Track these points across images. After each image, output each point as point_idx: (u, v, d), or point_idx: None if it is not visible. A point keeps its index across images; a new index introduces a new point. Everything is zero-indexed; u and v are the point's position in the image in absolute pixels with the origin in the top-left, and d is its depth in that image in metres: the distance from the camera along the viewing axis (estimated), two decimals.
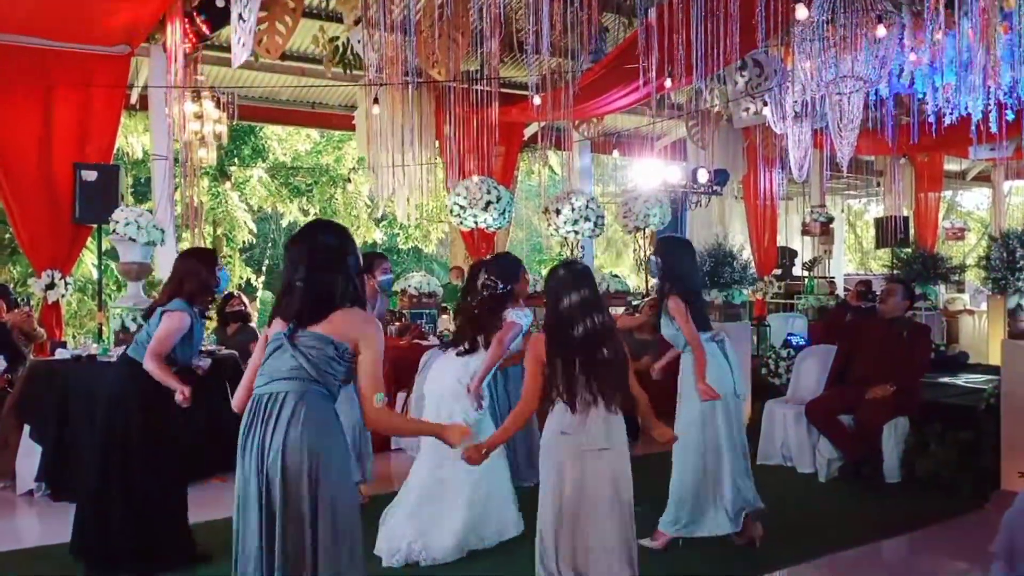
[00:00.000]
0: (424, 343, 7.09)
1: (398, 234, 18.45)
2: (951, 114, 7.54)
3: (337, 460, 2.48)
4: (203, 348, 6.20)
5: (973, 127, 7.46)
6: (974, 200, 24.53)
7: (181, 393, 3.79)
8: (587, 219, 7.94)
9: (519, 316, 4.31)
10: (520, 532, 4.29)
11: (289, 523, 2.38)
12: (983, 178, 17.34)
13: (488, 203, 7.64)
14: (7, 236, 12.71)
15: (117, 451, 3.94)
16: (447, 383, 4.29)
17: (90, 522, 4.01)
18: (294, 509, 2.38)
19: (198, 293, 4.06)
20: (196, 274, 4.05)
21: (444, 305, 8.64)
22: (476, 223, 7.78)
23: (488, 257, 4.81)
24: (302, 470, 2.38)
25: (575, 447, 2.98)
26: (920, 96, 7.99)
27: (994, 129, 7.29)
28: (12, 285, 10.70)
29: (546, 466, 3.06)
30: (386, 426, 2.57)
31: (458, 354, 4.35)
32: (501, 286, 4.38)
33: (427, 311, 8.18)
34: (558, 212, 7.94)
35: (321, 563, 2.39)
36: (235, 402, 2.66)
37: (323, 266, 2.56)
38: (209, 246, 11.62)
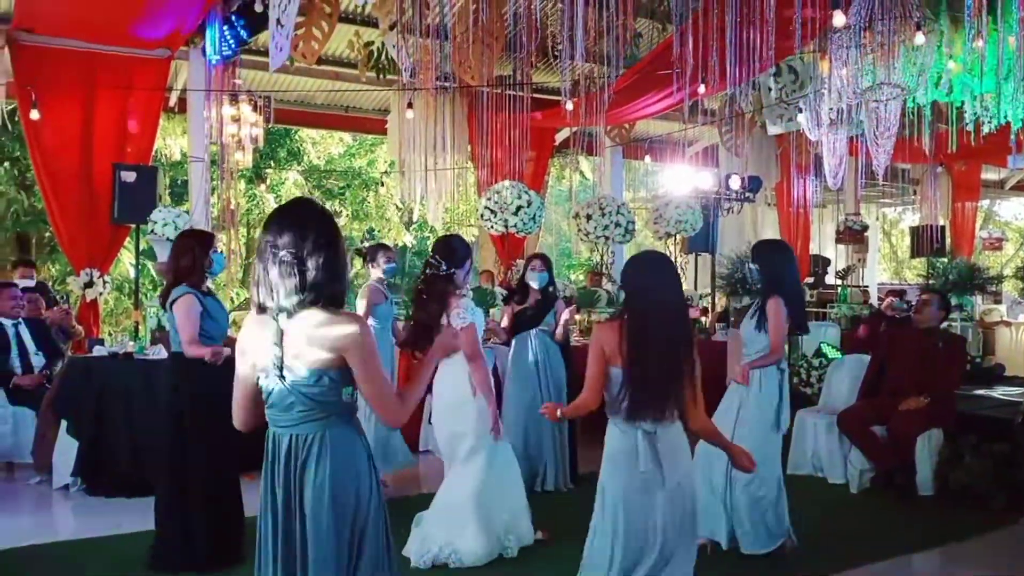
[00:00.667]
0: None
1: (428, 237, 18.53)
2: (990, 123, 7.43)
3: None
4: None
5: (1012, 136, 7.35)
6: (1012, 210, 24.09)
7: (212, 353, 3.88)
8: (617, 224, 7.92)
9: (465, 313, 4.07)
10: (532, 541, 4.27)
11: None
12: (1021, 188, 17.04)
13: (518, 208, 7.65)
14: (47, 234, 12.97)
15: (179, 449, 4.01)
16: (450, 393, 4.20)
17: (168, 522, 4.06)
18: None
19: (193, 272, 4.09)
20: (190, 251, 4.11)
21: None
22: (506, 228, 7.80)
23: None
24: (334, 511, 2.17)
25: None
26: (958, 104, 7.88)
27: None
28: (51, 283, 10.91)
29: None
30: (407, 411, 2.29)
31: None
32: (444, 267, 4.16)
33: None
34: (588, 217, 7.93)
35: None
36: (237, 421, 2.39)
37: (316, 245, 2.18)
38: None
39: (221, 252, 4.45)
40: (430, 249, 4.40)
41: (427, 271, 4.21)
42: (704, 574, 4.00)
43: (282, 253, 2.15)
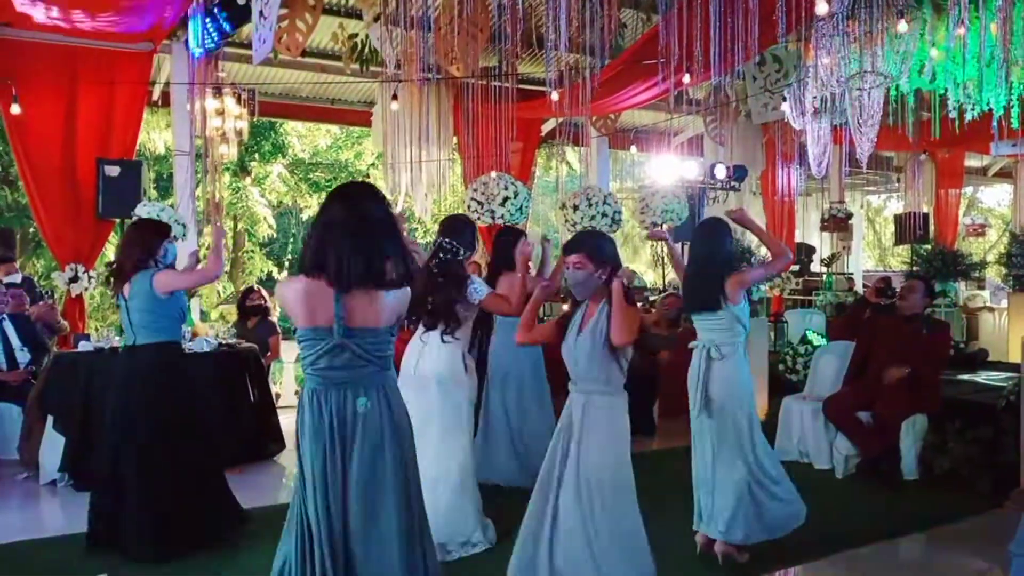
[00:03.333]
0: None
1: (416, 229, 18.51)
2: (972, 110, 7.49)
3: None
4: (223, 342, 6.29)
5: (995, 123, 7.40)
6: (995, 196, 24.27)
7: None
8: (604, 215, 7.92)
9: (481, 286, 4.10)
10: (481, 541, 4.10)
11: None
12: (1004, 174, 17.16)
13: (505, 199, 7.64)
14: (31, 230, 12.89)
15: (129, 435, 4.05)
16: (445, 369, 4.11)
17: (108, 508, 4.11)
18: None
19: (145, 262, 4.12)
20: (143, 241, 4.16)
21: None
22: (493, 219, 7.79)
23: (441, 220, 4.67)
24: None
25: None
26: (941, 92, 7.93)
27: (1016, 125, 7.24)
28: (36, 278, 10.84)
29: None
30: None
31: (444, 336, 4.08)
32: (462, 252, 4.18)
33: None
34: (575, 208, 7.93)
35: None
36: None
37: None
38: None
39: (174, 243, 4.44)
40: (438, 230, 4.38)
41: (441, 255, 4.17)
42: (689, 560, 4.08)
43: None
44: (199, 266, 4.83)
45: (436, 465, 3.96)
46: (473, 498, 4.17)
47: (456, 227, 4.30)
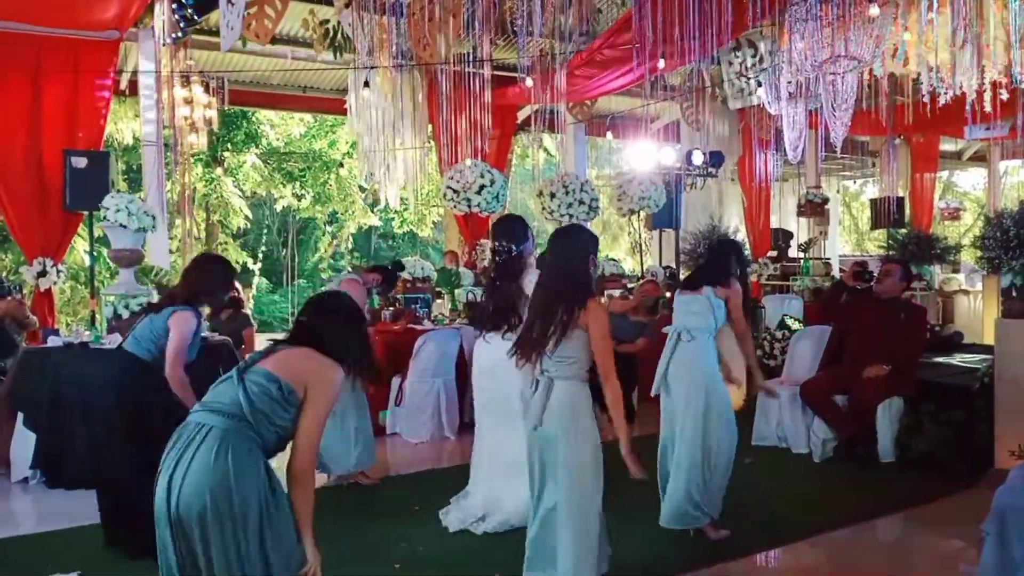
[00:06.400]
0: (418, 328, 7.08)
1: (393, 218, 18.41)
2: (946, 94, 7.51)
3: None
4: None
5: (968, 107, 7.43)
6: (970, 180, 24.51)
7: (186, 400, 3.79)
8: (581, 202, 7.90)
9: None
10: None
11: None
12: (979, 158, 17.32)
13: (481, 187, 7.59)
14: None
15: (105, 439, 3.98)
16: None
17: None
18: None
19: (203, 295, 4.09)
20: (213, 276, 4.12)
21: (438, 289, 8.62)
22: (470, 207, 7.74)
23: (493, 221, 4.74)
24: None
25: None
26: (914, 76, 7.95)
27: (989, 108, 7.27)
28: (4, 273, 10.65)
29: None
30: (311, 477, 2.43)
31: (504, 335, 4.18)
32: (515, 249, 4.25)
33: (421, 295, 8.15)
34: (552, 195, 7.90)
35: None
36: None
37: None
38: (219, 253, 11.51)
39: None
40: (491, 235, 4.47)
41: (497, 259, 4.26)
42: (667, 543, 4.08)
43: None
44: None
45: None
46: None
47: (506, 227, 4.37)
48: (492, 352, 4.24)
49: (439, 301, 8.46)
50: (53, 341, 5.76)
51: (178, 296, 4.05)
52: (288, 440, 2.39)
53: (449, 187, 7.71)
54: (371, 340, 2.65)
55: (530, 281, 4.13)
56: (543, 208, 8.10)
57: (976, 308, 11.11)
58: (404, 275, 8.13)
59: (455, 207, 7.83)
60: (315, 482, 2.46)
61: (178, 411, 4.09)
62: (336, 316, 2.61)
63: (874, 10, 6.09)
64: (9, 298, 6.92)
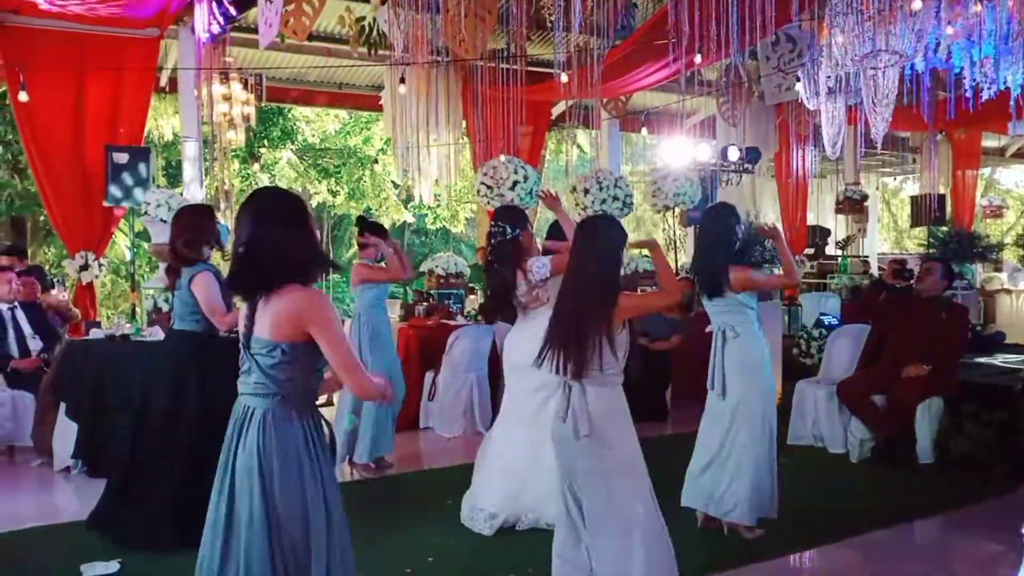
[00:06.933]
0: (451, 323, 7.11)
1: (427, 215, 18.46)
2: (989, 88, 7.35)
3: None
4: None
5: (1012, 102, 7.28)
6: (1013, 178, 23.96)
7: None
8: (615, 198, 7.86)
9: (545, 269, 4.14)
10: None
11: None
12: (1022, 155, 16.93)
13: (515, 183, 7.59)
14: (42, 218, 12.92)
15: (170, 426, 4.03)
16: (525, 354, 4.15)
17: (120, 495, 4.11)
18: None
19: (198, 245, 4.09)
20: (193, 225, 4.11)
21: (471, 285, 8.64)
22: (503, 203, 7.74)
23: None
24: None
25: None
26: (957, 71, 7.80)
27: None
28: (47, 266, 10.88)
29: None
30: (375, 390, 2.36)
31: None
32: (510, 230, 4.22)
33: (454, 291, 8.18)
34: (586, 191, 7.87)
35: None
36: None
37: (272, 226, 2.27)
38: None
39: (225, 223, 4.44)
40: (492, 219, 4.43)
41: (493, 240, 4.25)
42: (702, 542, 4.05)
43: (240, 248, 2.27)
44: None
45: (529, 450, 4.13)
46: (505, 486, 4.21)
47: (503, 211, 4.41)
48: (515, 349, 4.25)
49: (472, 297, 8.48)
50: (95, 333, 5.87)
51: (179, 262, 4.10)
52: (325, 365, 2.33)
53: (483, 183, 7.73)
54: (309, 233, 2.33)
55: (536, 268, 4.11)
56: (576, 204, 8.08)
57: (1019, 307, 10.87)
58: (438, 271, 8.16)
59: (488, 203, 7.84)
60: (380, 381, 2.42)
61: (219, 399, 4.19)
62: (259, 232, 2.28)
63: (917, 4, 5.97)
64: (53, 291, 7.08)
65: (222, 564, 2.27)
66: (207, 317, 4.06)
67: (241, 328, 2.33)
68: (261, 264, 2.25)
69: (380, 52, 8.32)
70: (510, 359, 4.33)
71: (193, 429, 3.98)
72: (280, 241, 2.24)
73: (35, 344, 6.18)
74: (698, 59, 6.74)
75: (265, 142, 15.97)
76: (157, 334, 5.50)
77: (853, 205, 12.67)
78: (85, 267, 7.69)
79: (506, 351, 4.41)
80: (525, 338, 4.07)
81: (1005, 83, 7.31)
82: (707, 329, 4.31)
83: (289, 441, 2.24)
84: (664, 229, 10.44)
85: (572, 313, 3.00)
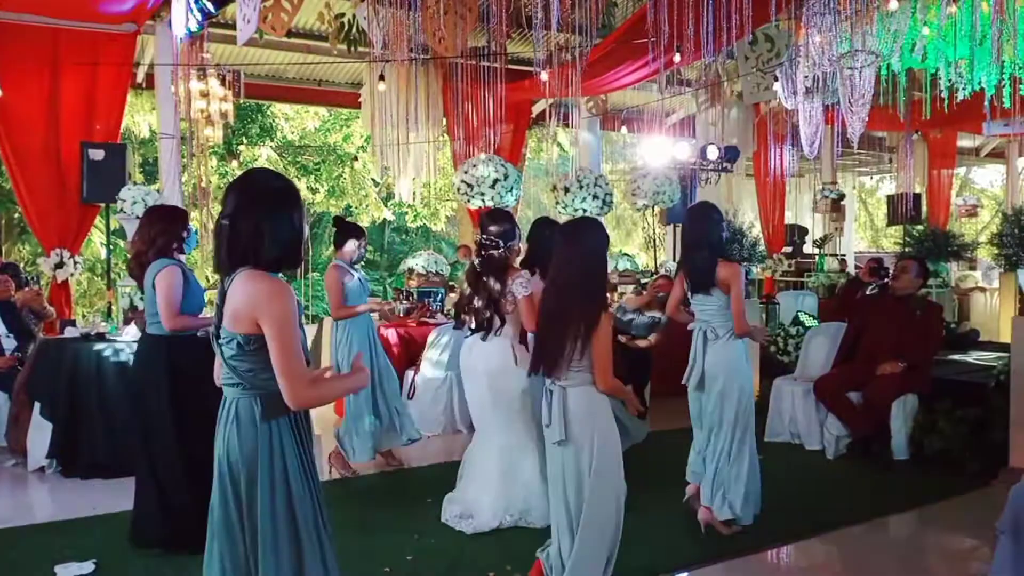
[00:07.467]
0: (431, 322, 7.09)
1: (406, 212, 18.42)
2: (964, 89, 7.44)
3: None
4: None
5: (987, 102, 7.36)
6: (988, 177, 24.30)
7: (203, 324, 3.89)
8: (595, 197, 7.88)
9: (527, 283, 4.08)
10: (545, 525, 3.94)
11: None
12: (997, 154, 17.15)
13: (495, 181, 7.59)
14: (16, 215, 12.76)
15: (148, 429, 3.97)
16: (494, 362, 4.14)
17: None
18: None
19: (169, 246, 4.02)
20: (164, 225, 4.04)
21: (452, 284, 8.63)
22: (483, 201, 7.74)
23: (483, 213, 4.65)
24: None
25: None
26: (932, 71, 7.88)
27: (1008, 104, 7.20)
28: (22, 264, 10.74)
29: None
30: (314, 401, 2.22)
31: (484, 338, 4.18)
32: (503, 245, 4.14)
33: (434, 290, 8.17)
34: (566, 190, 7.89)
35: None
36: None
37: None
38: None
39: (195, 228, 4.38)
40: (479, 227, 4.33)
41: (483, 252, 4.16)
42: (680, 536, 4.08)
43: (223, 220, 2.21)
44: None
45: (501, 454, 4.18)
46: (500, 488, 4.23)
47: (495, 219, 4.24)
48: (479, 358, 4.22)
49: (452, 295, 8.47)
50: (70, 332, 5.81)
51: (143, 262, 4.02)
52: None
53: (463, 181, 7.72)
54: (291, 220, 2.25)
55: (519, 283, 4.06)
56: (557, 202, 8.10)
57: (993, 305, 11.00)
58: (418, 269, 8.15)
59: (468, 201, 7.83)
60: (330, 388, 2.35)
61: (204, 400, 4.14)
62: (242, 207, 2.21)
63: (893, 4, 6.03)
64: (27, 288, 6.99)
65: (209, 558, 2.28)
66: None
67: (215, 315, 2.28)
68: (235, 241, 2.18)
69: (359, 49, 8.29)
70: (479, 367, 4.23)
71: (174, 430, 3.93)
72: (259, 221, 2.17)
73: (9, 343, 6.10)
74: (677, 58, 6.77)
75: (244, 139, 15.87)
76: (133, 333, 5.44)
77: (830, 204, 12.78)
78: (60, 265, 7.60)
79: (471, 360, 4.28)
80: (498, 345, 4.13)
81: (979, 84, 7.40)
82: (688, 327, 4.35)
83: (247, 435, 2.19)
84: (644, 228, 10.48)
85: (555, 316, 3.03)
